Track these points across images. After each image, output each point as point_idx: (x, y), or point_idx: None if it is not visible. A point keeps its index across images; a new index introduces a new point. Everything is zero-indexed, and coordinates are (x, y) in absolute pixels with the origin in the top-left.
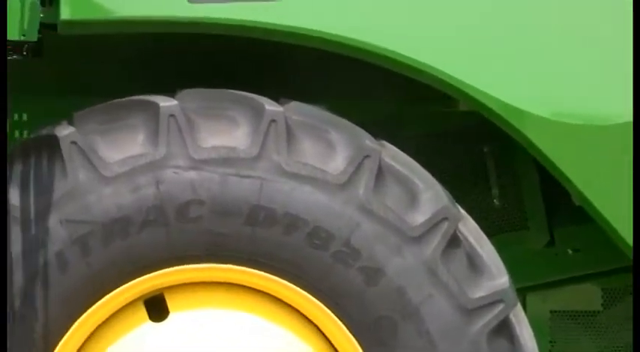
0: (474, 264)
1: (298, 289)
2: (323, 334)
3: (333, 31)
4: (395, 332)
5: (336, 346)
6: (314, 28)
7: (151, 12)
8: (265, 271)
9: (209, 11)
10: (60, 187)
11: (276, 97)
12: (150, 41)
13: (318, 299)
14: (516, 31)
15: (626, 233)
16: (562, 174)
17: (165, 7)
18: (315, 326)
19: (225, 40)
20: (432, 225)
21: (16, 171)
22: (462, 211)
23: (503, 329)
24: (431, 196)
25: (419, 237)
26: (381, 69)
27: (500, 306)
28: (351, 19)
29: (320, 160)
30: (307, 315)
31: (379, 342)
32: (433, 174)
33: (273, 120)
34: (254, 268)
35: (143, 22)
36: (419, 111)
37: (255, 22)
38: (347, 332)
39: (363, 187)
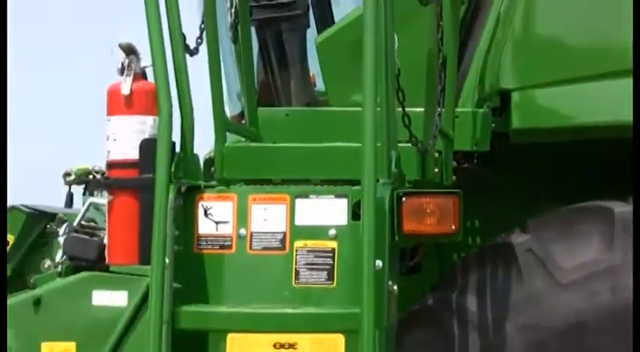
0: None
1: None
2: None
3: None
4: None
5: None
6: None
7: (601, 117)
8: None
9: None
10: (516, 293)
11: None
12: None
13: None
14: None
15: None
16: None
17: (616, 111)
18: None
19: None
20: None
21: (472, 277)
22: None
23: None
24: None
25: None
26: None
27: None
28: None
29: None
30: None
31: None
32: None
33: None
34: None
35: (593, 128)
36: None
37: None
38: None
39: None
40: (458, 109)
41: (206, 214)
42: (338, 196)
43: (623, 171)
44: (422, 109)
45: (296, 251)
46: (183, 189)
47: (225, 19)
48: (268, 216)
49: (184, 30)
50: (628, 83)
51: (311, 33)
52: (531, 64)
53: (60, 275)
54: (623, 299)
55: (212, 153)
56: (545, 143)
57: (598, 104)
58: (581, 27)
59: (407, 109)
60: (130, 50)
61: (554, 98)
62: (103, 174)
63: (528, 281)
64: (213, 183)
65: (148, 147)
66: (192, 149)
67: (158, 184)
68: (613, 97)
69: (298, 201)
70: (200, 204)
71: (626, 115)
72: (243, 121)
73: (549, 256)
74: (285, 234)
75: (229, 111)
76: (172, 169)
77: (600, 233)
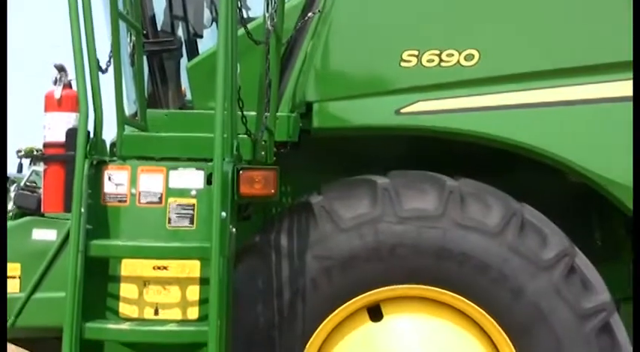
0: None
1: (469, 302)
2: (484, 332)
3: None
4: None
5: (492, 338)
6: (487, 131)
7: (368, 121)
8: (447, 290)
9: (410, 120)
10: (313, 235)
11: (452, 175)
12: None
13: (481, 307)
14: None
15: None
16: None
17: (378, 117)
18: (480, 327)
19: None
20: (557, 260)
21: (285, 224)
22: (577, 249)
23: (606, 329)
24: (556, 240)
25: (548, 267)
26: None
27: (604, 313)
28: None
29: (482, 216)
30: (477, 320)
31: (522, 334)
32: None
33: (451, 191)
34: (440, 288)
35: (364, 128)
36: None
37: (445, 127)
38: (500, 330)
39: (511, 234)
40: (278, 113)
41: (109, 179)
42: (198, 169)
43: (381, 157)
44: (255, 113)
45: (169, 205)
46: (94, 162)
47: (126, 49)
48: (151, 181)
49: (98, 56)
50: (382, 99)
51: (183, 60)
52: (325, 85)
53: (11, 218)
54: (382, 239)
55: (115, 139)
56: (334, 137)
57: (363, 113)
58: (355, 64)
59: (245, 112)
60: (61, 68)
61: (339, 108)
62: (41, 151)
63: (321, 226)
64: (115, 158)
65: (71, 134)
66: (101, 136)
67: (78, 159)
68: (372, 108)
69: (171, 172)
70: (106, 172)
71: (379, 120)
72: (137, 118)
73: (334, 210)
74: (162, 193)
75: (127, 111)
76: (88, 149)
77: (368, 196)
